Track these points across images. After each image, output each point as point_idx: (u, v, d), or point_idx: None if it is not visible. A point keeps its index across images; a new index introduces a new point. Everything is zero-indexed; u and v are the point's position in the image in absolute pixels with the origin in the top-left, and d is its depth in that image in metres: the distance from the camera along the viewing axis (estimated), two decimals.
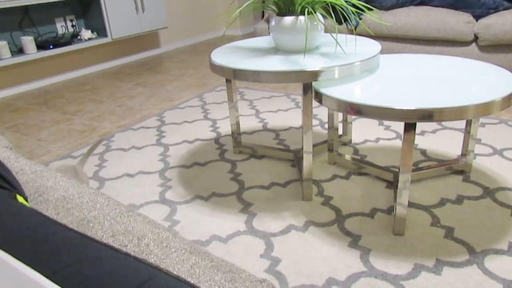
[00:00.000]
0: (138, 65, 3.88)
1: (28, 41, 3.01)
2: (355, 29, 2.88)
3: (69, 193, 0.61)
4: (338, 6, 1.41)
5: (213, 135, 2.14)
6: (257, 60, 1.45)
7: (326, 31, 1.51)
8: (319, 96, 1.32)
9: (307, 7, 1.41)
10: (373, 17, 2.74)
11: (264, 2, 1.58)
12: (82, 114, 2.64)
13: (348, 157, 1.72)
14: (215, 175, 1.74)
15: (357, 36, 1.72)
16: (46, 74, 3.38)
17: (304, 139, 1.43)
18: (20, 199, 0.47)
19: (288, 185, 1.63)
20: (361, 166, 1.67)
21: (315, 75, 1.30)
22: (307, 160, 1.47)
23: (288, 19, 1.44)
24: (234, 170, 1.77)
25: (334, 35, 1.76)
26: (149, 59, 4.08)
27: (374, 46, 1.53)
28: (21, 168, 0.67)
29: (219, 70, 1.47)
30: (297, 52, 1.51)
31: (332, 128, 1.70)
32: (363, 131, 2.04)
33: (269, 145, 1.97)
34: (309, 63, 1.36)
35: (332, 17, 2.81)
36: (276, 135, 2.09)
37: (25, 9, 3.13)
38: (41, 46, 3.11)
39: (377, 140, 1.94)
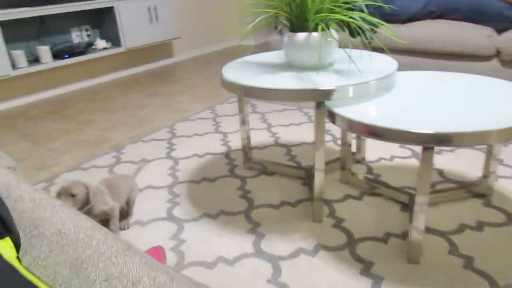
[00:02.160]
0: (151, 74, 3.88)
1: (44, 51, 3.04)
2: (370, 43, 2.83)
3: (65, 227, 0.58)
4: (352, 22, 1.37)
5: (223, 149, 2.11)
6: (268, 77, 1.42)
7: (340, 45, 1.47)
8: (332, 116, 1.28)
9: (320, 24, 1.38)
10: (388, 34, 2.69)
11: (277, 17, 1.55)
12: (94, 124, 2.64)
13: (361, 176, 1.67)
14: (224, 192, 1.70)
15: (372, 52, 1.68)
16: (60, 83, 3.41)
17: (316, 156, 1.39)
18: (2, 246, 0.43)
19: (299, 205, 1.58)
20: (374, 186, 1.61)
21: (328, 94, 1.26)
22: (319, 178, 1.43)
23: (301, 36, 1.41)
24: (244, 187, 1.73)
25: (348, 51, 1.72)
26: (162, 69, 4.09)
27: (390, 63, 1.49)
28: (21, 195, 0.65)
29: (229, 86, 1.44)
30: (310, 68, 1.48)
31: (345, 145, 1.66)
32: (378, 149, 1.98)
33: (280, 161, 1.93)
34: (322, 81, 1.32)
35: (345, 31, 2.77)
36: (287, 150, 2.05)
37: (42, 19, 3.16)
38: (56, 55, 3.14)
39: (392, 158, 1.89)
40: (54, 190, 1.74)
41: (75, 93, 3.39)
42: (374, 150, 1.97)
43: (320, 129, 1.36)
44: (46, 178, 1.92)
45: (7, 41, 2.90)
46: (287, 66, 1.55)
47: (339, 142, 2.09)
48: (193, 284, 0.53)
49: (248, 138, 1.83)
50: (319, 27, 1.36)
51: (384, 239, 1.35)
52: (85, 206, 1.31)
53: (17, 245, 0.50)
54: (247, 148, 1.84)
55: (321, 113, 1.34)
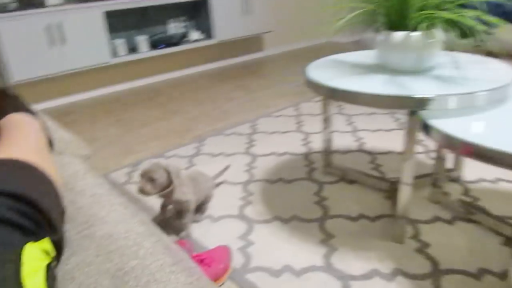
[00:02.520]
0: (240, 68, 3.92)
1: (142, 40, 3.21)
2: (483, 46, 2.52)
3: (116, 230, 0.55)
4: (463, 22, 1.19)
5: (304, 150, 2.03)
6: (356, 79, 1.30)
7: (445, 47, 1.30)
8: (426, 128, 1.13)
9: (423, 23, 1.22)
10: (508, 36, 2.37)
11: (375, 13, 1.41)
12: (181, 113, 2.72)
13: (455, 197, 1.48)
14: (299, 196, 1.62)
15: (486, 58, 1.46)
16: (155, 72, 3.58)
17: (404, 168, 1.24)
18: (29, 257, 0.40)
19: (379, 220, 1.44)
20: (471, 211, 1.41)
21: (424, 103, 1.11)
22: (404, 194, 1.28)
23: (399, 35, 1.27)
24: (320, 193, 1.63)
25: (454, 54, 1.52)
26: (252, 62, 4.10)
27: (506, 71, 1.28)
28: (83, 189, 0.64)
29: (313, 87, 1.35)
30: (405, 72, 1.33)
31: (439, 159, 1.47)
32: (479, 167, 1.74)
33: (362, 169, 1.80)
34: (418, 87, 1.17)
35: (452, 30, 2.50)
36: (372, 158, 1.90)
37: (144, 10, 3.34)
38: (153, 45, 3.30)
39: (496, 181, 1.64)
40: (137, 173, 1.81)
41: (168, 82, 3.54)
42: (475, 168, 1.73)
43: (411, 139, 1.21)
44: (131, 163, 2.00)
45: (111, 30, 3.10)
46: (380, 68, 1.42)
47: (432, 155, 1.88)
48: None
49: (330, 141, 1.72)
50: (421, 27, 1.20)
51: (477, 275, 1.17)
52: (165, 189, 1.31)
53: (58, 247, 0.48)
54: (327, 152, 1.74)
55: (413, 123, 1.19)
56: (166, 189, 1.31)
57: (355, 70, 1.42)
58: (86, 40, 2.85)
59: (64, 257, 0.50)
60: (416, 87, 1.17)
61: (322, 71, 1.43)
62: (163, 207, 1.47)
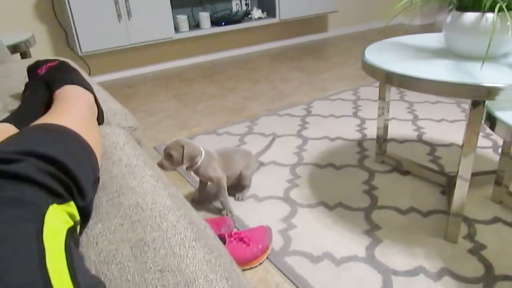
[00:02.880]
0: (301, 48, 3.84)
1: (204, 17, 3.24)
2: None
3: (144, 201, 0.55)
4: None
5: (357, 136, 1.95)
6: (417, 64, 1.21)
7: None
8: (491, 120, 1.03)
9: (499, 2, 1.10)
10: None
11: None
12: (237, 91, 2.73)
13: None
14: (348, 183, 1.57)
15: None
16: (215, 49, 3.61)
17: (462, 162, 1.15)
18: (52, 217, 0.40)
19: (431, 216, 1.36)
20: None
21: (491, 92, 1.01)
22: (461, 189, 1.19)
23: (470, 16, 1.15)
24: (371, 182, 1.56)
25: None
26: (313, 43, 4.00)
27: None
28: (120, 158, 0.65)
29: (370, 70, 1.28)
30: (474, 58, 1.21)
31: (506, 155, 1.34)
32: None
33: (419, 160, 1.69)
34: (486, 75, 1.06)
35: None
36: (431, 150, 1.78)
37: None
38: (215, 22, 3.32)
39: None
40: None
41: (227, 60, 3.56)
42: None
43: (473, 132, 1.11)
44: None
45: (174, 6, 3.16)
46: (446, 53, 1.30)
47: (499, 151, 1.73)
48: None
49: (385, 128, 1.64)
50: (497, 7, 1.08)
51: None
52: (179, 166, 1.33)
53: (84, 213, 0.49)
54: (382, 140, 1.66)
55: (477, 114, 1.09)
56: (180, 165, 1.33)
57: (417, 54, 1.32)
58: (151, 14, 2.93)
59: (91, 222, 0.51)
60: (484, 75, 1.06)
61: (380, 54, 1.35)
62: (200, 184, 1.49)
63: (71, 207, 0.45)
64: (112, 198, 0.56)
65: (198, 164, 1.35)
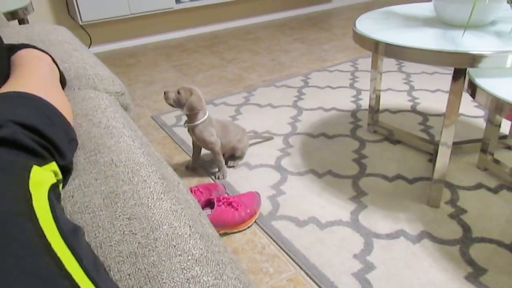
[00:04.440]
0: (304, 19, 3.79)
1: None
2: None
3: (119, 158, 0.59)
4: None
5: (352, 106, 1.97)
6: (405, 32, 1.22)
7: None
8: (472, 88, 1.05)
9: None
10: None
11: None
12: (237, 62, 2.74)
13: (506, 165, 1.37)
14: (338, 152, 1.60)
15: None
16: (217, 20, 3.59)
17: (444, 129, 1.18)
18: (37, 173, 0.44)
19: (416, 183, 1.39)
20: None
21: (473, 60, 1.03)
22: (443, 156, 1.22)
23: None
24: (361, 151, 1.60)
25: None
26: (317, 14, 3.95)
27: None
28: (100, 121, 0.69)
29: (360, 39, 1.29)
30: (461, 26, 1.22)
31: (491, 123, 1.37)
32: None
33: (410, 130, 1.72)
34: (470, 43, 1.07)
35: None
36: (423, 119, 1.80)
37: None
38: None
39: None
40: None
41: (229, 31, 3.54)
42: None
43: (453, 103, 1.13)
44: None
45: None
46: (435, 21, 1.31)
47: None
48: (213, 246, 0.50)
49: (378, 98, 1.66)
50: None
51: (511, 247, 1.11)
52: (178, 107, 1.41)
53: (66, 171, 0.54)
54: (374, 110, 1.68)
55: (458, 85, 1.11)
56: (180, 107, 1.40)
57: (407, 22, 1.33)
58: None
59: (69, 178, 0.56)
60: (469, 43, 1.08)
61: (371, 23, 1.36)
62: (194, 151, 1.53)
63: (54, 166, 0.50)
64: (89, 156, 0.60)
65: (198, 122, 1.40)
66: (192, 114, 1.40)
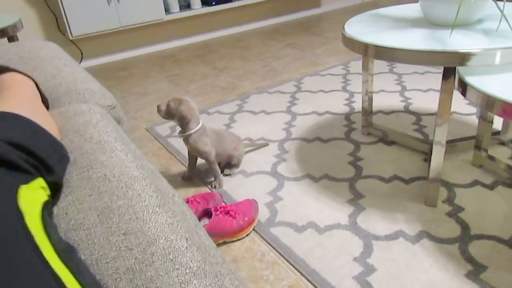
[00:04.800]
0: (295, 25, 3.82)
1: None
2: None
3: (112, 173, 0.59)
4: None
5: (345, 109, 1.98)
6: (395, 34, 1.23)
7: None
8: (463, 86, 1.05)
9: None
10: None
11: None
12: (229, 71, 2.74)
13: (500, 161, 1.38)
14: (334, 155, 1.60)
15: None
16: (207, 29, 3.60)
17: (437, 128, 1.19)
18: (26, 190, 0.44)
19: (413, 183, 1.40)
20: None
21: (462, 58, 1.03)
22: (437, 155, 1.22)
23: None
24: (356, 153, 1.60)
25: (502, 4, 1.37)
26: (307, 19, 3.97)
27: None
28: (91, 136, 0.69)
29: (349, 42, 1.30)
30: (448, 26, 1.23)
31: (484, 120, 1.37)
32: None
33: (404, 130, 1.72)
34: (458, 42, 1.08)
35: None
36: (417, 119, 1.81)
37: None
38: (205, 2, 3.30)
39: None
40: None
41: (220, 40, 3.55)
42: None
43: (445, 102, 1.14)
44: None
45: None
46: (423, 22, 1.32)
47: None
48: (211, 257, 0.50)
49: (370, 100, 1.66)
50: None
51: (510, 242, 1.11)
52: (170, 118, 1.42)
53: (55, 187, 0.53)
54: (368, 112, 1.69)
55: (449, 84, 1.12)
56: (172, 118, 1.42)
57: (396, 24, 1.34)
58: None
59: (61, 195, 0.55)
60: (458, 41, 1.08)
61: (360, 26, 1.37)
62: (190, 161, 1.53)
63: (41, 182, 0.49)
64: (81, 172, 0.60)
65: (191, 132, 1.40)
66: (184, 124, 1.40)
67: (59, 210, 0.53)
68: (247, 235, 1.26)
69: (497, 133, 1.55)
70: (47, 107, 0.79)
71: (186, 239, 0.51)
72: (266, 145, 1.72)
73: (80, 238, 0.50)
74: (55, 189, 0.54)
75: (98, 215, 0.52)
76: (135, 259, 0.46)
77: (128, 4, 2.89)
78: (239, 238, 1.24)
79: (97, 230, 0.50)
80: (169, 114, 1.41)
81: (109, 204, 0.54)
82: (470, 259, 1.07)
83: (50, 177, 0.52)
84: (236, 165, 1.57)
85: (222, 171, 1.54)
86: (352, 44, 1.28)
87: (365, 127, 1.72)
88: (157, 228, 0.51)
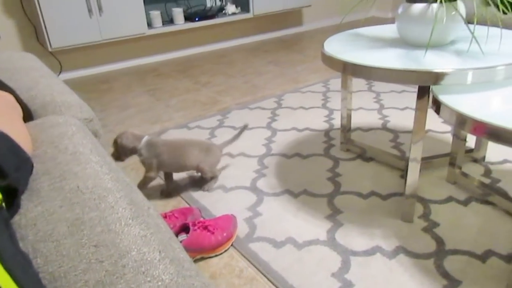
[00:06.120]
0: (277, 42, 3.87)
1: (178, 12, 3.24)
2: None
3: (85, 185, 0.58)
4: None
5: (325, 126, 2.00)
6: (371, 53, 1.26)
7: (482, 22, 1.22)
8: (436, 104, 1.08)
9: None
10: None
11: None
12: (211, 86, 2.75)
13: (474, 178, 1.42)
14: (313, 171, 1.62)
15: (511, 31, 1.37)
16: (190, 44, 3.62)
17: (413, 146, 1.21)
18: None
19: (390, 199, 1.42)
20: (488, 192, 1.35)
21: (435, 77, 1.07)
22: (413, 172, 1.24)
23: (418, 7, 1.21)
24: (335, 169, 1.62)
25: (472, 27, 1.43)
26: (289, 37, 4.04)
27: None
28: (66, 147, 0.68)
29: (328, 60, 1.33)
30: (423, 46, 1.27)
31: (458, 138, 1.41)
32: (505, 148, 1.65)
33: (382, 147, 1.75)
34: (430, 61, 1.12)
35: (492, 4, 2.33)
36: (394, 136, 1.84)
37: None
38: (188, 17, 3.33)
39: None
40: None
41: (202, 55, 3.57)
42: (500, 149, 1.65)
43: (420, 121, 1.17)
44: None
45: (147, 2, 3.15)
46: (399, 42, 1.36)
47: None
48: (185, 270, 0.49)
49: (349, 117, 1.69)
50: None
51: (483, 257, 1.13)
52: (125, 156, 1.45)
53: (7, 191, 0.52)
54: (346, 129, 1.71)
55: (424, 99, 1.15)
56: (126, 156, 1.46)
57: (373, 43, 1.37)
58: (123, 10, 2.92)
59: (31, 206, 0.54)
60: (432, 61, 1.12)
61: (339, 45, 1.40)
62: (165, 176, 1.54)
63: None
64: (54, 183, 0.59)
65: (141, 158, 1.45)
66: (133, 151, 1.44)
67: (27, 220, 0.52)
68: (226, 250, 1.24)
69: (470, 150, 1.59)
70: (31, 118, 0.78)
71: (159, 252, 0.50)
72: (245, 127, 1.62)
73: (48, 250, 0.48)
74: (8, 193, 0.53)
75: (68, 227, 0.51)
76: (106, 271, 0.46)
77: (110, 18, 2.89)
78: (217, 253, 1.23)
79: (66, 242, 0.49)
80: (121, 154, 1.45)
81: (80, 215, 0.53)
82: (445, 274, 1.09)
83: (2, 181, 0.51)
84: (213, 177, 1.55)
85: (200, 187, 1.53)
86: (332, 62, 1.31)
87: (344, 144, 1.74)
88: (130, 240, 0.50)
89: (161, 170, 1.48)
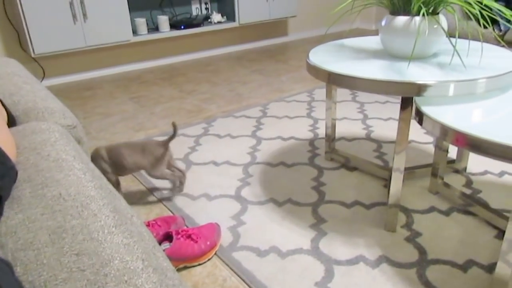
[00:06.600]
0: (262, 51, 3.90)
1: (163, 20, 3.24)
2: (503, 36, 2.40)
3: (68, 192, 0.57)
4: (476, 9, 1.15)
5: (309, 135, 2.02)
6: (355, 64, 1.28)
7: (463, 36, 1.25)
8: (419, 115, 1.10)
9: (423, 8, 1.18)
10: None
11: None
12: (196, 94, 2.75)
13: (455, 188, 1.44)
14: (298, 180, 1.62)
15: (494, 46, 1.41)
16: (175, 52, 3.62)
17: (396, 156, 1.22)
18: None
19: (373, 208, 1.43)
20: (469, 203, 1.38)
21: (418, 89, 1.09)
22: (396, 182, 1.26)
23: (401, 19, 1.23)
24: (319, 179, 1.62)
25: (454, 40, 1.47)
26: (274, 47, 4.07)
27: (510, 59, 1.22)
28: (48, 154, 0.67)
29: (313, 70, 1.34)
30: (406, 58, 1.29)
31: (440, 149, 1.44)
32: (485, 159, 1.69)
33: (365, 157, 1.77)
34: (413, 73, 1.14)
35: (471, 19, 2.40)
36: (377, 146, 1.87)
37: None
38: (174, 25, 3.32)
39: (502, 174, 1.59)
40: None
41: (188, 63, 3.57)
42: (481, 160, 1.68)
43: (403, 131, 1.19)
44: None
45: (132, 9, 3.15)
46: (382, 53, 1.38)
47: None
48: (168, 279, 0.49)
49: (334, 127, 1.71)
50: (422, 11, 1.16)
51: (464, 266, 1.14)
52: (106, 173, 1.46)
53: None
54: (331, 138, 1.72)
55: (406, 114, 1.17)
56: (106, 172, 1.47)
57: (357, 54, 1.39)
58: (108, 17, 2.91)
59: (11, 213, 0.53)
60: (415, 73, 1.14)
61: (324, 55, 1.42)
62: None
63: None
64: (35, 190, 0.57)
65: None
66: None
67: (7, 228, 0.51)
68: (209, 259, 1.23)
69: (452, 161, 1.62)
70: (14, 124, 0.77)
71: (142, 260, 0.49)
72: (174, 127, 1.47)
73: (28, 258, 0.47)
74: None
75: (50, 235, 0.50)
76: (87, 280, 0.45)
77: (94, 24, 2.86)
78: (200, 262, 1.22)
79: (47, 250, 0.48)
80: (108, 167, 1.45)
81: (62, 223, 0.52)
82: (427, 284, 1.10)
83: None
84: (165, 178, 1.47)
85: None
86: (316, 72, 1.32)
87: (328, 153, 1.76)
88: (112, 249, 0.49)
89: (110, 174, 1.47)
